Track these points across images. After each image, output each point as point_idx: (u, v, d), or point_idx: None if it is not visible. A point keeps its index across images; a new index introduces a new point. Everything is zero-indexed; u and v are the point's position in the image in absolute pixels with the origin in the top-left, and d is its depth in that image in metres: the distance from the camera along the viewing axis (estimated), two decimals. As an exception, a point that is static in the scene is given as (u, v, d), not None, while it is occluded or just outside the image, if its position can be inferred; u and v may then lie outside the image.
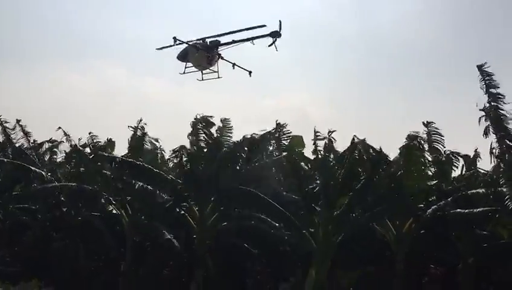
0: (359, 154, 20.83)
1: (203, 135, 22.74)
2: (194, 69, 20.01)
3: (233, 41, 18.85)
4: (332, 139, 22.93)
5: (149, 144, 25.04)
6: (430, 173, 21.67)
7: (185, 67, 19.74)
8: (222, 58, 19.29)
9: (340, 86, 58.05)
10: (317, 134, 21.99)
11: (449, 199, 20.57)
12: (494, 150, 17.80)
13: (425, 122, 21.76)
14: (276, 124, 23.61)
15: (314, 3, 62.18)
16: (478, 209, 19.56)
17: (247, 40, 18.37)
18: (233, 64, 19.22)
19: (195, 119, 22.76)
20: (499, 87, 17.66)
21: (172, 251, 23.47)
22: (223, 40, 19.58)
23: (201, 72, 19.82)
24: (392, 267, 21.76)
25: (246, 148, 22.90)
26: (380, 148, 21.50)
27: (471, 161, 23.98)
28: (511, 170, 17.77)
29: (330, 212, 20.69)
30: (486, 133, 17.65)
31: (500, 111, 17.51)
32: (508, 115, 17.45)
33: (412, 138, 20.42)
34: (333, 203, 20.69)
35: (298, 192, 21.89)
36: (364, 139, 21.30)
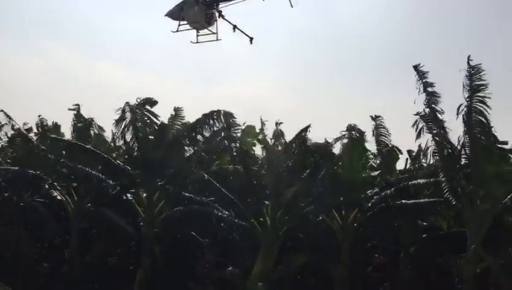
0: (305, 146, 21.12)
1: (147, 118, 22.32)
2: (188, 27, 16.34)
3: None
4: (280, 131, 23.11)
5: (96, 129, 24.50)
6: (374, 165, 22.30)
7: (179, 25, 16.07)
8: (223, 17, 15.75)
9: (300, 77, 58.35)
10: (265, 124, 22.13)
11: (392, 190, 21.19)
12: (429, 148, 18.59)
13: (372, 116, 22.37)
14: (224, 112, 23.40)
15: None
16: (420, 200, 20.16)
17: None
18: (234, 27, 15.63)
19: (137, 101, 22.44)
20: (434, 86, 18.29)
21: (119, 238, 23.12)
22: None
23: (197, 32, 16.16)
24: (337, 256, 22.28)
25: (194, 134, 22.59)
26: (326, 140, 21.88)
27: (415, 156, 24.78)
28: (450, 165, 18.46)
29: (278, 201, 20.92)
30: (419, 135, 18.42)
31: (436, 108, 18.15)
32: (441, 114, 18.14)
33: (350, 129, 20.93)
34: (281, 193, 20.92)
35: (247, 181, 22.00)
36: (307, 128, 21.57)
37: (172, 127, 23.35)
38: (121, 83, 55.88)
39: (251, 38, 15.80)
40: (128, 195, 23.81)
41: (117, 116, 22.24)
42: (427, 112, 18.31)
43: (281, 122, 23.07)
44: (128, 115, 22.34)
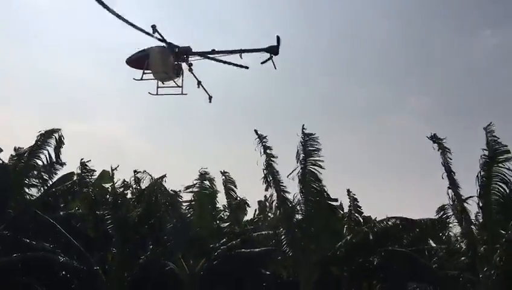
0: (155, 194, 21.62)
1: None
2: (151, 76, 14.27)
3: (214, 51, 13.68)
4: (136, 178, 23.42)
5: None
6: (223, 217, 23.49)
7: (143, 73, 14.00)
8: (191, 70, 14.06)
9: (155, 119, 57.63)
10: (114, 170, 22.12)
11: (238, 240, 22.39)
12: (274, 201, 20.36)
13: (221, 171, 23.78)
14: (81, 163, 22.97)
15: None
16: (259, 249, 21.49)
17: (237, 51, 13.30)
18: (199, 83, 14.12)
19: None
20: (272, 149, 20.25)
21: None
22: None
23: (158, 83, 14.23)
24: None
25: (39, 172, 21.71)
26: (174, 191, 22.61)
27: (263, 206, 26.57)
28: (287, 219, 20.26)
29: (123, 249, 20.86)
30: (267, 188, 20.19)
31: (274, 169, 19.97)
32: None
33: (202, 177, 22.00)
34: (128, 240, 20.95)
35: (94, 228, 21.67)
36: (163, 177, 22.14)
37: (15, 167, 22.17)
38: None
39: (210, 97, 14.30)
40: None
41: None
42: (268, 171, 20.10)
43: (139, 171, 23.52)
44: None
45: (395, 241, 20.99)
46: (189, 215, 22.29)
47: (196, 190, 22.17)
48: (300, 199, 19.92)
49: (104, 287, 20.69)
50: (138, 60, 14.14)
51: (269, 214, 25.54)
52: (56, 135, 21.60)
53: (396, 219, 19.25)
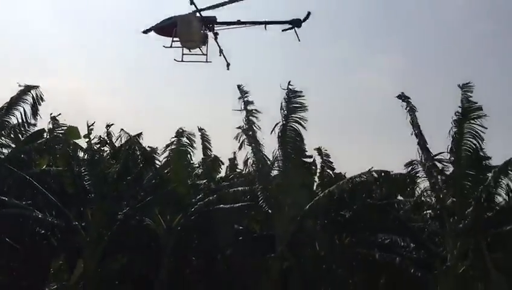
0: (132, 150, 21.61)
1: None
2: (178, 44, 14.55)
3: (239, 21, 14.16)
4: (108, 134, 23.21)
5: None
6: (198, 173, 23.84)
7: (172, 41, 14.27)
8: (216, 39, 14.51)
9: (122, 76, 56.92)
10: (91, 127, 21.88)
11: (214, 196, 22.88)
12: (250, 158, 20.82)
13: (198, 127, 23.97)
14: (51, 118, 22.52)
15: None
16: (235, 205, 22.04)
17: (262, 23, 13.98)
18: (221, 51, 14.52)
19: None
20: (253, 103, 20.55)
21: None
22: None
23: (183, 50, 14.52)
24: (159, 260, 23.04)
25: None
26: (151, 147, 22.70)
27: (233, 165, 27.10)
28: (265, 176, 20.85)
29: (101, 205, 20.91)
30: (241, 146, 20.54)
31: (254, 125, 20.40)
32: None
33: (179, 134, 22.14)
34: (106, 196, 20.99)
35: (70, 184, 21.50)
36: (139, 135, 22.09)
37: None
38: None
39: (228, 64, 14.68)
40: None
41: None
42: (247, 127, 20.47)
43: (111, 124, 23.27)
44: None
45: (367, 196, 22.07)
46: (166, 171, 22.48)
47: (173, 147, 22.34)
48: (278, 155, 20.48)
49: (84, 242, 20.76)
50: (166, 28, 14.48)
51: (246, 170, 26.10)
52: (33, 92, 21.09)
53: (372, 172, 20.05)
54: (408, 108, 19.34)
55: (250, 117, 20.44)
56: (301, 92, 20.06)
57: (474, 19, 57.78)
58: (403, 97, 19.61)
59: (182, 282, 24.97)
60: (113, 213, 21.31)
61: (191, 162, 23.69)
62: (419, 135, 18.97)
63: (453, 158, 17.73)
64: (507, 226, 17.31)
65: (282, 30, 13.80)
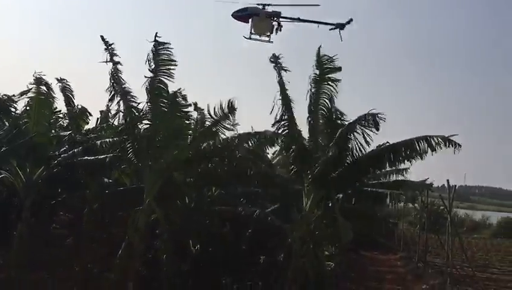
0: None
1: None
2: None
3: (299, 19, 21.59)
4: None
5: None
6: (63, 124, 22.55)
7: (251, 33, 22.23)
8: (280, 30, 21.46)
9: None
10: None
11: (80, 148, 21.91)
12: (118, 110, 20.13)
13: (57, 78, 22.57)
14: None
15: None
16: (103, 157, 21.35)
17: (315, 22, 21.27)
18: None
19: None
20: (119, 56, 19.77)
21: None
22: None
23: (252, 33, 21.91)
24: (19, 214, 21.80)
25: None
26: (7, 95, 21.02)
27: (105, 115, 26.05)
28: (133, 128, 20.32)
29: None
30: (112, 98, 19.75)
31: (121, 77, 19.67)
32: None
33: (37, 82, 20.75)
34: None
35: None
36: None
37: None
38: None
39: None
40: None
41: None
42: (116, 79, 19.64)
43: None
44: None
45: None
46: (24, 120, 20.97)
47: (32, 95, 20.82)
48: (147, 108, 20.08)
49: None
50: (242, 17, 21.93)
51: (115, 122, 25.19)
52: None
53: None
54: (277, 69, 19.75)
55: (116, 69, 19.60)
56: (169, 43, 19.62)
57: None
58: (273, 58, 20.00)
59: (46, 237, 24.08)
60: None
61: (55, 111, 22.31)
62: (284, 94, 19.55)
63: (310, 119, 18.74)
64: (354, 181, 18.96)
65: (330, 29, 21.06)
